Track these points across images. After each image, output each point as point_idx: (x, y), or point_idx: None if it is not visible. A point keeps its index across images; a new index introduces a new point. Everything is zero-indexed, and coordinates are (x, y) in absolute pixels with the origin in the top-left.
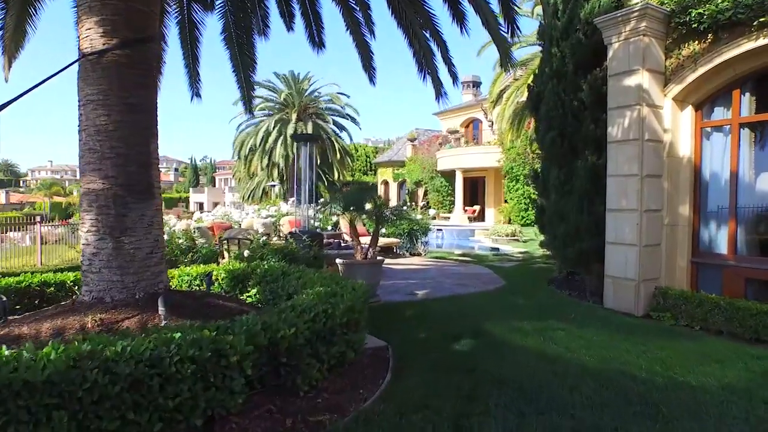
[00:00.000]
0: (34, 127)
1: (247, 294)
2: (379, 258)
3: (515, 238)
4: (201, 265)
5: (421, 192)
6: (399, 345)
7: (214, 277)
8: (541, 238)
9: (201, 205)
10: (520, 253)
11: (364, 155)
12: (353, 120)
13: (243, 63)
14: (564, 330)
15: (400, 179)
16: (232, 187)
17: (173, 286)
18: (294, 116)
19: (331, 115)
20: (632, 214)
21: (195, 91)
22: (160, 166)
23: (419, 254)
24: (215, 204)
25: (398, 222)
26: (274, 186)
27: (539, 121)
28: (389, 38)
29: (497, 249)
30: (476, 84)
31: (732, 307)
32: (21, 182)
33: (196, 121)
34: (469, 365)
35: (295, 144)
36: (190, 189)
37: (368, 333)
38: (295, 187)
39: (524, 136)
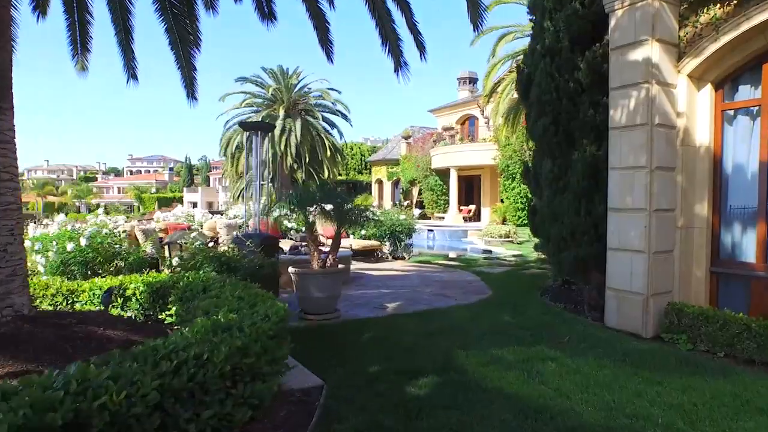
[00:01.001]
0: (30, 127)
1: (168, 313)
2: (340, 266)
3: (509, 239)
4: (121, 276)
5: (415, 191)
6: (339, 385)
7: (130, 292)
8: (537, 240)
9: (195, 205)
10: (514, 256)
11: (359, 154)
12: (344, 116)
13: (181, 37)
14: (555, 360)
15: (394, 178)
16: (226, 187)
17: (84, 302)
18: (282, 112)
19: (322, 111)
20: (639, 215)
21: (131, 72)
22: (156, 165)
23: (403, 258)
24: (209, 203)
25: (366, 223)
26: (263, 185)
27: (530, 107)
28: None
29: (489, 251)
30: (473, 80)
31: (767, 330)
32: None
33: (194, 120)
34: (421, 424)
35: (283, 141)
36: (184, 189)
37: (306, 365)
38: (282, 185)
39: (520, 133)
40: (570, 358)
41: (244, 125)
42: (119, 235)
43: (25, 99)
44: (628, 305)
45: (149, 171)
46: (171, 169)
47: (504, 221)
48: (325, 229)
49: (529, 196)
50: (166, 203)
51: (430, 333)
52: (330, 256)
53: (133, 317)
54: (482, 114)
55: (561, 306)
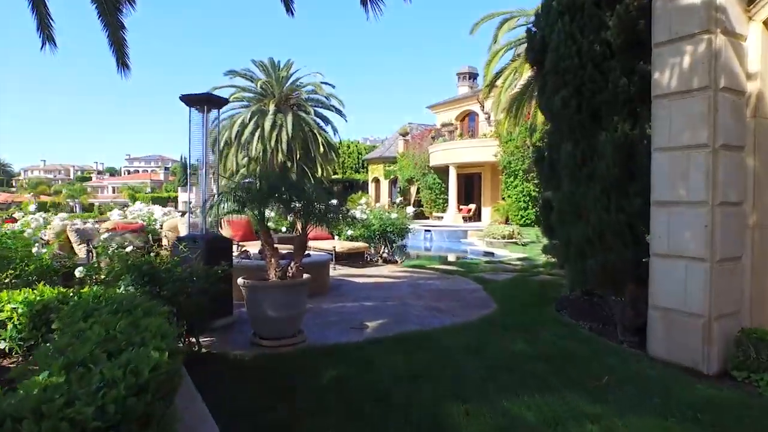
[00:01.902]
0: (27, 127)
1: None
2: (306, 276)
3: (513, 240)
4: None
5: (413, 190)
6: None
7: (5, 315)
8: (545, 241)
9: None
10: (519, 259)
11: (356, 152)
12: (338, 112)
13: None
14: (598, 421)
15: (391, 176)
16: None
17: None
18: (272, 107)
19: (314, 106)
20: (697, 210)
21: (46, 34)
22: (154, 165)
23: (395, 262)
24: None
25: (342, 221)
26: (252, 183)
27: (544, 78)
28: (388, 40)
29: (492, 254)
30: (473, 75)
31: None
32: (14, 182)
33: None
34: None
35: (273, 137)
36: (179, 188)
37: (228, 429)
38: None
39: (523, 128)
40: (618, 415)
41: (184, 98)
42: (35, 237)
43: (20, 98)
44: (682, 330)
45: (147, 171)
46: (167, 168)
47: (507, 221)
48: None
49: (533, 193)
50: (161, 203)
51: (416, 371)
52: (292, 264)
53: (7, 350)
54: (482, 109)
55: (585, 325)
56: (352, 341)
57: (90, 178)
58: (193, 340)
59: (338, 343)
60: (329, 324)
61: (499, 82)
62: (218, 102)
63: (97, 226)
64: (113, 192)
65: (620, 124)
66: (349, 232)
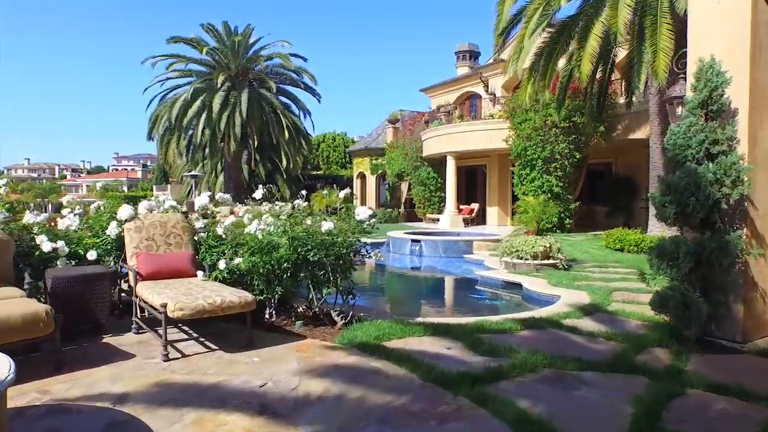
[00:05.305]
0: (12, 126)
1: None
2: None
3: (551, 260)
4: None
5: (404, 187)
6: None
7: None
8: (598, 259)
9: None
10: (582, 311)
11: (343, 145)
12: (311, 90)
13: None
14: None
15: (379, 171)
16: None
17: None
18: (222, 79)
19: (280, 83)
20: None
21: None
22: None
23: (332, 323)
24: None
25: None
26: (195, 176)
27: None
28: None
29: (518, 286)
30: (473, 54)
31: None
32: None
33: None
34: None
35: (224, 119)
36: (154, 186)
37: None
38: (229, 176)
39: (544, 106)
40: None
41: None
42: None
43: (11, 96)
44: None
45: (134, 169)
46: (145, 166)
47: (538, 230)
48: (137, 251)
49: (555, 189)
50: (136, 202)
51: None
52: None
53: None
54: (486, 90)
55: None
56: None
57: (65, 177)
58: None
59: None
60: None
61: (524, 18)
62: None
63: None
64: (88, 190)
65: None
66: (222, 265)
